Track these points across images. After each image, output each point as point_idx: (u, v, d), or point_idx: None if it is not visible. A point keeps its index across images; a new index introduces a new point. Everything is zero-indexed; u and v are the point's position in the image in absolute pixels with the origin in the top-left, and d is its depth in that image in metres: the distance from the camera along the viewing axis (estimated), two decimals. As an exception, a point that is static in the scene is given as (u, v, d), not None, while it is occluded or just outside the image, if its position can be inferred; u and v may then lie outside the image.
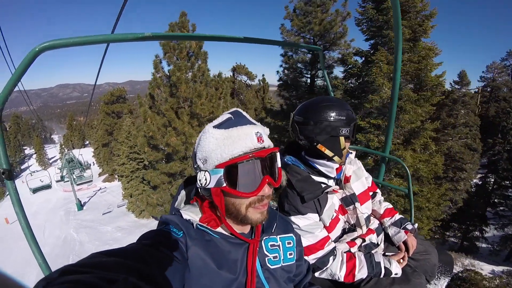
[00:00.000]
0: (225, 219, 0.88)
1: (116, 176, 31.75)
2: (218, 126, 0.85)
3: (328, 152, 1.41)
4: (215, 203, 0.85)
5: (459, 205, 18.98)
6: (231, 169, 0.80)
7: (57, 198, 32.71)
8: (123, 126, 26.25)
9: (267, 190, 0.84)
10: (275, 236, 1.02)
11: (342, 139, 1.40)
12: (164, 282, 0.62)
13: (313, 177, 1.48)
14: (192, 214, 0.89)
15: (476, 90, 28.94)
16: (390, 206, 1.82)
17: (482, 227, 20.18)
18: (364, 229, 1.57)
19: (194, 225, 0.85)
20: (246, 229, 0.96)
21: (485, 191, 20.90)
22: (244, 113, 0.92)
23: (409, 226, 1.66)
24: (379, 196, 1.86)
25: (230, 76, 24.95)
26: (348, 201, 1.55)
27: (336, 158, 1.42)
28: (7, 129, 62.24)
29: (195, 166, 0.90)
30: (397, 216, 1.74)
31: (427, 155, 9.95)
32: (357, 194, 1.57)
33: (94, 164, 43.20)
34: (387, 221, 1.74)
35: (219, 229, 0.91)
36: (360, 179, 1.65)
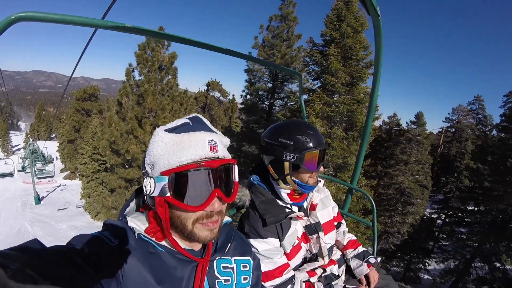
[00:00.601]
0: (169, 233, 0.79)
1: (78, 175, 30.94)
2: (170, 130, 0.78)
3: (273, 174, 1.40)
4: (159, 214, 0.77)
5: (405, 237, 20.20)
6: (176, 178, 0.73)
7: (16, 188, 31.77)
8: (90, 125, 26.08)
9: (216, 205, 0.76)
10: (229, 258, 0.94)
11: (286, 164, 1.33)
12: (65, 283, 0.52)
13: (278, 201, 1.43)
14: (138, 222, 0.81)
15: (441, 130, 30.86)
16: (354, 238, 1.78)
17: (425, 260, 21.19)
18: (326, 260, 1.51)
19: (136, 235, 0.78)
20: (196, 246, 0.87)
21: (431, 225, 22.24)
22: (205, 120, 0.86)
23: (372, 260, 1.62)
24: (343, 227, 1.83)
25: (204, 91, 25.43)
26: (312, 229, 1.48)
27: (280, 182, 1.39)
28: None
29: (143, 172, 0.83)
30: (360, 249, 1.70)
31: (352, 190, 10.74)
32: (322, 223, 1.51)
33: (57, 159, 41.63)
34: (350, 253, 1.69)
35: (164, 243, 0.81)
36: (326, 208, 1.60)
